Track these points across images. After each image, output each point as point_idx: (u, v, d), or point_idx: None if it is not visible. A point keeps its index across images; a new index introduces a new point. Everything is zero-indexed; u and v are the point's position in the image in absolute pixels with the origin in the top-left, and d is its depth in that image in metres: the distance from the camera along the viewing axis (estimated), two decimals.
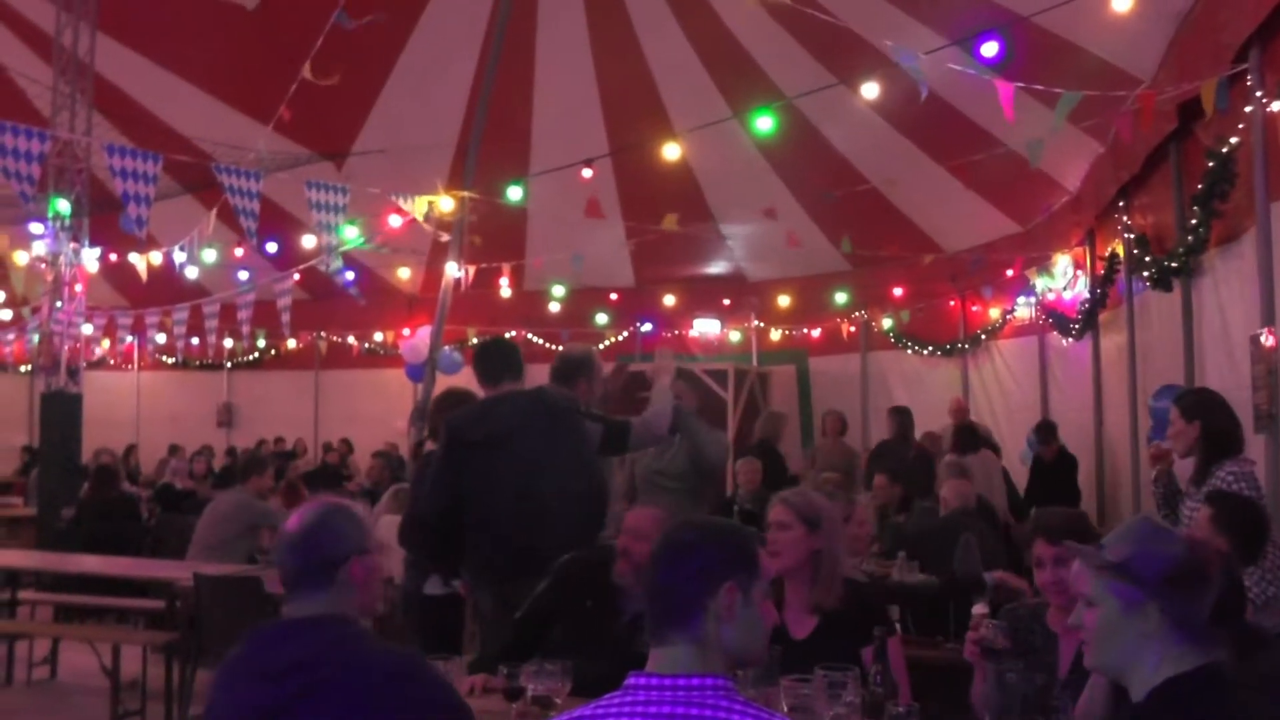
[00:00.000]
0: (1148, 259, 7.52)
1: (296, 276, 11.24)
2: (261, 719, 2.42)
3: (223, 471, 12.08)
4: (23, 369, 17.13)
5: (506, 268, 13.91)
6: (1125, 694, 2.31)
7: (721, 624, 2.14)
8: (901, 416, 10.62)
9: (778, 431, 10.55)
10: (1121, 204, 8.40)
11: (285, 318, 10.64)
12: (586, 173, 9.04)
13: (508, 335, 15.86)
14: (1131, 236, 8.05)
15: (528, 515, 4.54)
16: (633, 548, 3.82)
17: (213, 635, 6.31)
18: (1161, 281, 7.24)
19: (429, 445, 6.26)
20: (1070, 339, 10.06)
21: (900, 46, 5.84)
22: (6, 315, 15.36)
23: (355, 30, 7.89)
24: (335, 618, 2.52)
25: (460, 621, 5.76)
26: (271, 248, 12.49)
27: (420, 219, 9.42)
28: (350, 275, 11.34)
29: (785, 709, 2.95)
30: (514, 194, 9.84)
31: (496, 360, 5.00)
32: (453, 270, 10.93)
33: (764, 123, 7.91)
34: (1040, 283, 10.96)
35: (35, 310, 12.44)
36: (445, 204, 9.69)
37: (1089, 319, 9.53)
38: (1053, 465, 9.37)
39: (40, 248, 11.40)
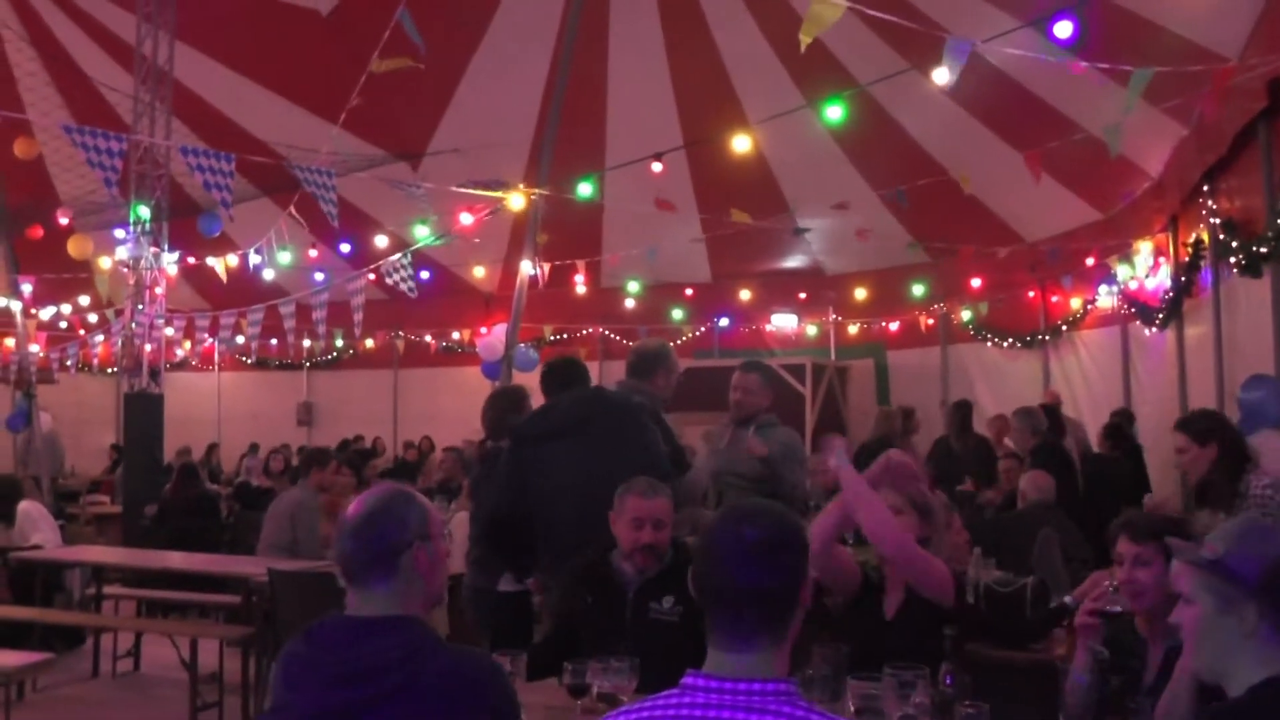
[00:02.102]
0: (1235, 244, 7.27)
1: (372, 276, 11.32)
2: None
3: (298, 469, 12.21)
4: (110, 371, 17.58)
5: (582, 264, 13.94)
6: (1209, 698, 2.20)
7: (798, 619, 2.08)
8: (955, 410, 10.47)
9: (894, 429, 10.44)
10: (1206, 188, 8.14)
11: (358, 317, 10.70)
12: (656, 167, 9.00)
13: (584, 332, 15.96)
14: (1217, 221, 7.79)
15: (582, 510, 4.50)
16: (658, 540, 3.86)
17: (287, 629, 6.37)
18: (1250, 267, 7.00)
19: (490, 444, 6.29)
20: (1153, 329, 9.79)
21: (956, 38, 5.69)
22: (94, 319, 15.77)
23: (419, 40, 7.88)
24: (404, 620, 2.43)
25: (531, 617, 5.74)
26: (345, 248, 12.64)
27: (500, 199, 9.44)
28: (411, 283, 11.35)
29: (852, 709, 2.88)
30: (584, 190, 9.81)
31: (552, 382, 5.15)
32: (527, 268, 10.95)
33: (834, 112, 7.80)
34: (1122, 271, 10.68)
35: (119, 313, 12.72)
36: (516, 201, 9.70)
37: (1173, 308, 9.26)
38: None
39: (123, 252, 11.64)
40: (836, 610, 3.93)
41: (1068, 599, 4.60)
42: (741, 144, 8.48)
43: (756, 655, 2.00)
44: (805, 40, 5.68)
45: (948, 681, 3.07)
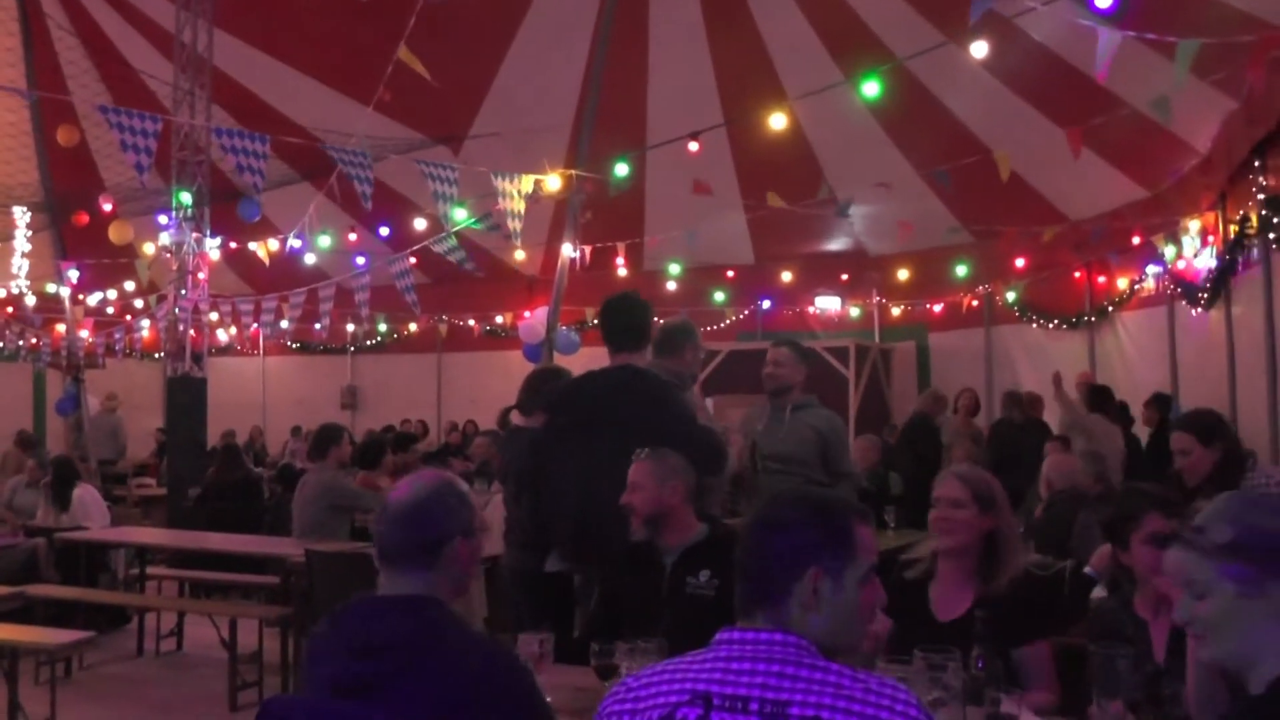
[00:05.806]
0: None
1: (414, 260, 11.32)
2: (340, 694, 2.37)
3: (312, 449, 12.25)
4: (157, 356, 17.75)
5: (622, 247, 13.87)
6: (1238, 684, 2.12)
7: (807, 611, 2.03)
8: (1008, 399, 10.36)
9: (937, 410, 10.41)
10: (1257, 164, 7.96)
11: (411, 298, 10.61)
12: (693, 146, 8.92)
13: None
14: (1265, 198, 7.62)
15: (595, 495, 4.39)
16: (632, 500, 3.93)
17: (325, 610, 6.38)
18: None
19: (515, 419, 6.27)
20: (1200, 309, 9.60)
21: None
22: (140, 304, 15.92)
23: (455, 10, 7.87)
24: (429, 601, 2.44)
25: (574, 598, 5.72)
26: (384, 231, 12.64)
27: (524, 197, 9.40)
28: (463, 254, 11.32)
29: None
30: (620, 171, 9.75)
31: (616, 324, 4.92)
32: (568, 251, 10.91)
33: (870, 88, 7.70)
34: (1169, 250, 10.47)
35: (162, 299, 12.83)
36: (553, 183, 9.65)
37: (1219, 287, 9.07)
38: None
39: (165, 238, 11.74)
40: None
41: (1088, 569, 4.54)
42: (778, 121, 8.37)
43: (760, 624, 2.06)
44: None
45: (979, 665, 3.00)
